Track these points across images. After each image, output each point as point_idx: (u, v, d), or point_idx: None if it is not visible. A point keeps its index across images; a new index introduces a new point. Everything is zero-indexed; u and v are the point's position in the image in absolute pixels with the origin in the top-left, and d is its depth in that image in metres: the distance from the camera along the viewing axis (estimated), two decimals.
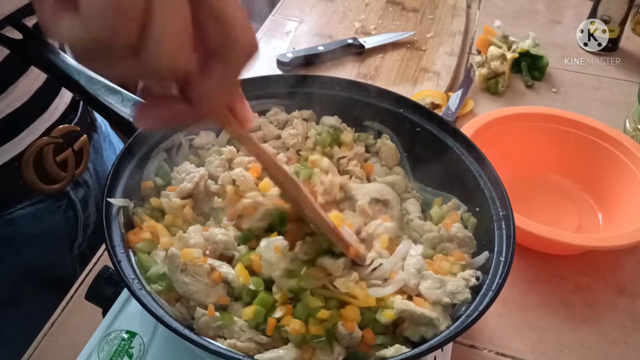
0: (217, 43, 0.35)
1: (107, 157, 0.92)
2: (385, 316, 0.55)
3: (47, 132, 0.76)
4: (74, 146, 0.79)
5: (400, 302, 0.56)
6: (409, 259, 0.61)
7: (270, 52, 1.18)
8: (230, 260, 0.59)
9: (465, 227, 0.65)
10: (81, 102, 0.84)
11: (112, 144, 0.95)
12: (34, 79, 0.74)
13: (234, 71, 0.36)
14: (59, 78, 0.71)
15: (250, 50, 0.36)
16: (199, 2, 0.33)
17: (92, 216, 0.87)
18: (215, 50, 0.35)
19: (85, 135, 0.81)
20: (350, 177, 0.71)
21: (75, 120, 0.81)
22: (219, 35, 0.34)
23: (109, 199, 0.58)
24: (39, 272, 0.82)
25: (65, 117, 0.79)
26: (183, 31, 0.32)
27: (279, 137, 0.74)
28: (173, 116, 0.37)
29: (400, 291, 0.59)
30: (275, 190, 0.62)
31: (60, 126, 0.77)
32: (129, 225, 0.61)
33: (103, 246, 0.80)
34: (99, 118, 0.92)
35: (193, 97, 0.36)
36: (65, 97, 0.80)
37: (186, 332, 0.50)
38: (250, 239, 0.61)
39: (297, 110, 0.76)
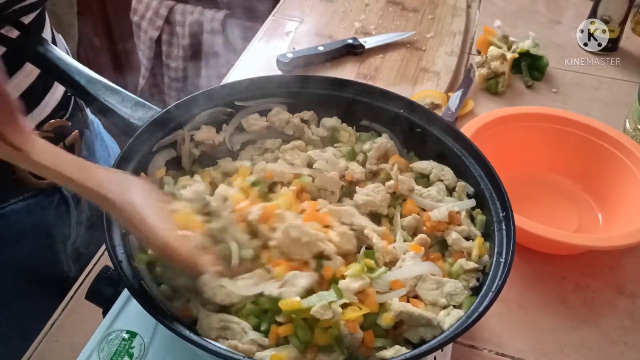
0: None
1: (99, 155, 0.92)
2: (385, 320, 0.55)
3: (38, 127, 0.76)
4: (65, 141, 0.79)
5: (397, 304, 0.56)
6: (409, 260, 0.61)
7: (270, 52, 1.18)
8: None
9: (474, 224, 0.65)
10: (72, 99, 0.83)
11: (104, 142, 0.95)
12: (27, 74, 0.74)
13: None
14: (58, 78, 0.71)
15: None
16: None
17: (84, 213, 0.87)
18: None
19: (76, 131, 0.81)
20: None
21: (67, 115, 0.81)
22: None
23: None
24: (33, 269, 0.82)
25: (56, 112, 0.79)
26: None
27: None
28: None
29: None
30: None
31: (52, 120, 0.77)
32: None
33: (103, 246, 0.80)
34: (90, 116, 0.92)
35: None
36: (56, 93, 0.80)
37: (186, 332, 0.50)
38: None
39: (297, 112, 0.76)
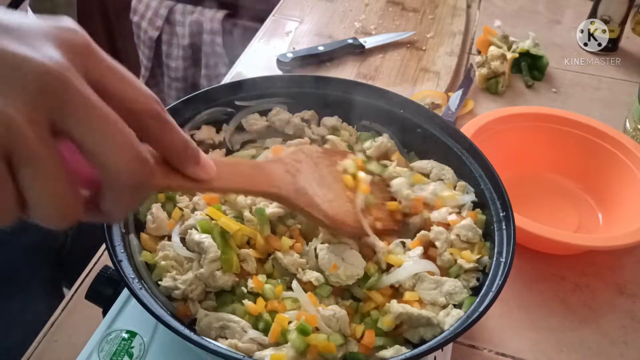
0: (102, 177, 0.34)
1: None
2: (385, 324, 0.55)
3: None
4: None
5: (396, 306, 0.56)
6: (424, 263, 0.61)
7: (270, 52, 1.18)
8: None
9: (475, 223, 0.65)
10: None
11: None
12: None
13: (123, 198, 0.35)
14: None
15: (133, 181, 0.34)
16: (74, 146, 0.32)
17: None
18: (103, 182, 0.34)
19: None
20: None
21: None
22: (99, 172, 0.33)
23: None
24: (33, 237, 0.84)
25: None
26: (63, 194, 0.32)
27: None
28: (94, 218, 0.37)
29: (395, 291, 0.60)
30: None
31: None
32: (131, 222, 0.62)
33: (103, 246, 0.80)
34: None
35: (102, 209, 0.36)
36: None
37: (186, 332, 0.50)
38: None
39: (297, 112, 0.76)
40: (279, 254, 0.60)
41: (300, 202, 0.55)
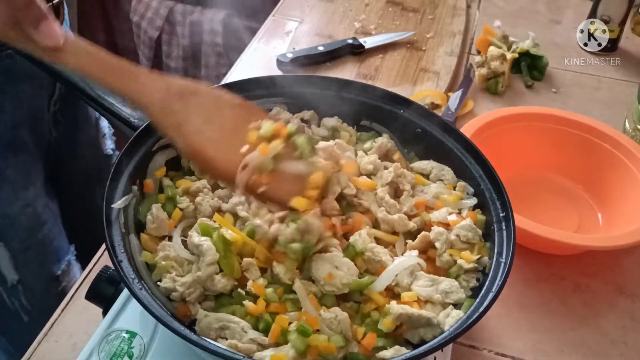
0: None
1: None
2: (385, 325, 0.55)
3: None
4: (53, 1, 0.89)
5: (396, 307, 0.56)
6: (404, 259, 0.61)
7: (270, 52, 1.18)
8: None
9: (475, 224, 0.65)
10: None
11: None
12: None
13: None
14: (58, 77, 0.72)
15: None
16: None
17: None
18: None
19: None
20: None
21: None
22: None
23: (111, 205, 0.58)
24: (25, 121, 0.93)
25: None
26: None
27: None
28: None
29: (393, 294, 0.60)
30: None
31: None
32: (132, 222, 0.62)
33: (103, 246, 0.80)
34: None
35: None
36: None
37: (186, 332, 0.50)
38: None
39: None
40: (274, 263, 0.59)
41: (162, 120, 0.54)
